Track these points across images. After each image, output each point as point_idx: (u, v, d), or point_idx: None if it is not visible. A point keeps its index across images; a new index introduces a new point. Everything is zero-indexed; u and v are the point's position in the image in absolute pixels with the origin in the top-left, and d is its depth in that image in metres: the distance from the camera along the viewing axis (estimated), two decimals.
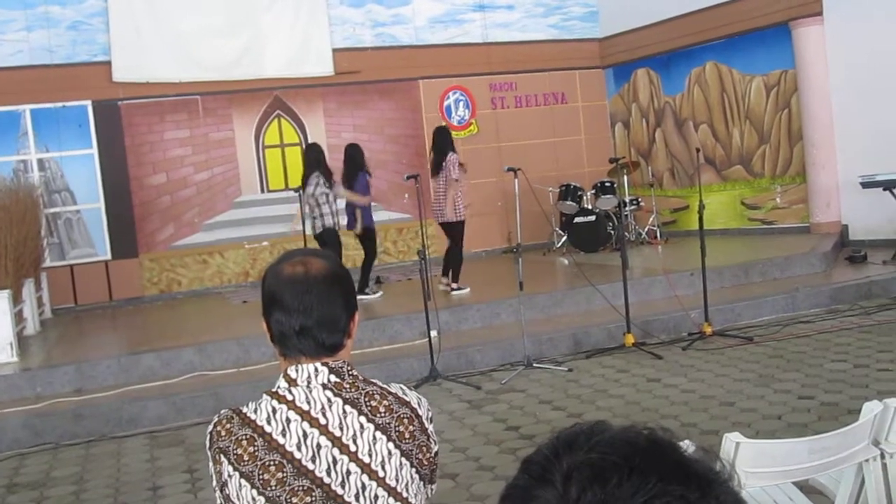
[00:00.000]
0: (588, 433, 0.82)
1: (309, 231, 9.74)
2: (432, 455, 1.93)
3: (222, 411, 1.91)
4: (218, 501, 1.90)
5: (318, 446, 1.81)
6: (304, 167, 9.90)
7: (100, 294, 12.44)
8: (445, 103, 14.14)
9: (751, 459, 2.79)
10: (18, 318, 9.27)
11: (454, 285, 9.95)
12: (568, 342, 8.30)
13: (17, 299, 9.31)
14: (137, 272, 12.63)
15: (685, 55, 13.62)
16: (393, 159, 13.68)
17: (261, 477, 1.79)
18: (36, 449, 6.79)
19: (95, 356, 8.35)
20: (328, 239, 9.56)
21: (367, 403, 1.86)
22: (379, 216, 12.70)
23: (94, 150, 12.43)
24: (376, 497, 1.82)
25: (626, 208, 12.62)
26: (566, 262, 12.19)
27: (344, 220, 9.99)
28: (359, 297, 9.70)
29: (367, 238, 10.20)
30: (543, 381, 7.36)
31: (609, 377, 7.28)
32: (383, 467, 1.83)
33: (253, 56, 12.98)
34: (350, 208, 10.13)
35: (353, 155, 10.13)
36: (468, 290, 9.96)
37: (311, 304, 1.87)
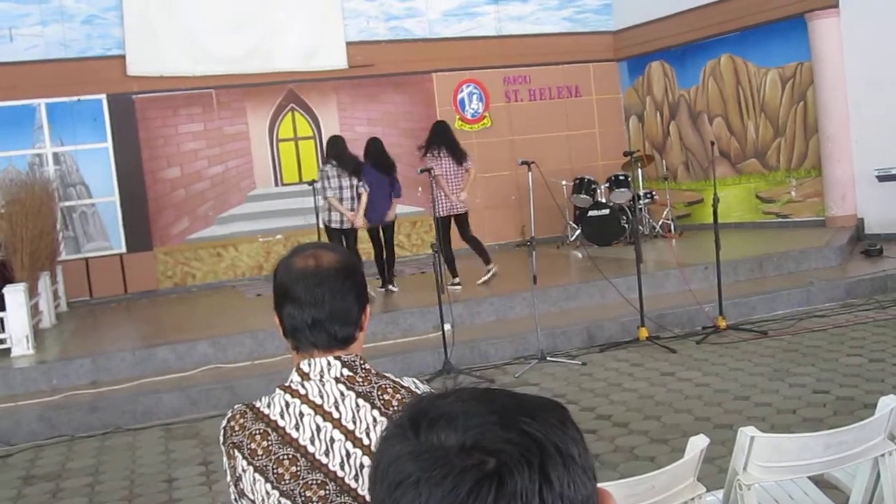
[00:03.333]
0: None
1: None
2: None
3: (235, 406, 1.91)
4: (232, 496, 1.90)
5: (332, 440, 1.82)
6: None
7: (115, 287, 12.50)
8: (459, 96, 14.12)
9: (766, 454, 2.79)
10: (34, 311, 9.32)
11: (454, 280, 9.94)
12: (582, 336, 8.29)
13: (32, 292, 9.36)
14: (152, 265, 12.68)
15: (700, 48, 13.55)
16: (407, 153, 13.61)
17: (275, 471, 1.80)
18: (52, 441, 6.83)
19: (111, 349, 8.40)
20: (328, 235, 9.61)
21: (380, 397, 1.86)
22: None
23: (109, 144, 12.48)
24: None
25: (640, 202, 12.57)
26: (580, 255, 12.17)
27: (334, 216, 9.70)
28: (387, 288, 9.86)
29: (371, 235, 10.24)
30: (557, 374, 7.35)
31: (623, 371, 7.27)
32: None
33: (267, 49, 12.99)
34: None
35: (365, 147, 10.21)
36: (459, 287, 9.87)
37: (322, 297, 1.87)
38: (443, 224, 9.71)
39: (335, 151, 9.72)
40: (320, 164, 9.85)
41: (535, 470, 0.82)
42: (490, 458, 0.82)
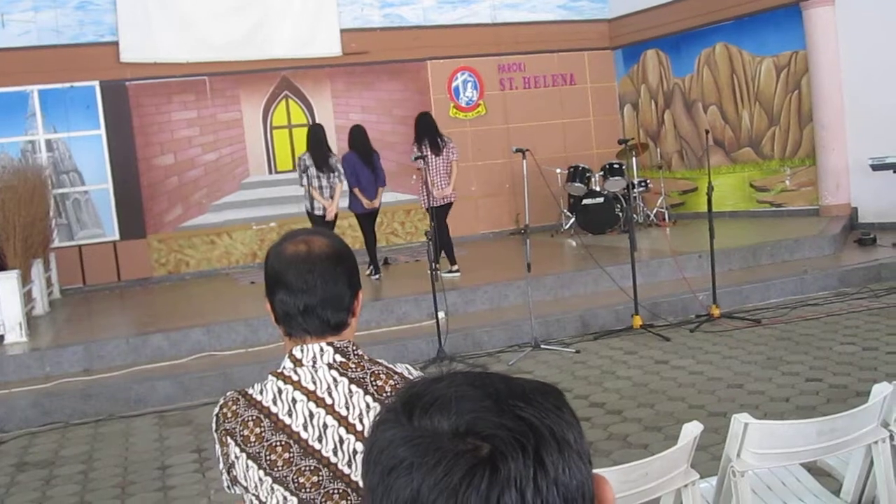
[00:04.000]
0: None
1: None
2: None
3: (228, 393, 1.91)
4: (225, 483, 1.90)
5: (325, 426, 1.81)
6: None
7: (108, 274, 12.47)
8: (453, 84, 14.09)
9: (759, 440, 2.79)
10: (27, 298, 9.30)
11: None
12: (575, 324, 8.30)
13: (25, 279, 9.34)
14: (145, 253, 12.66)
15: (695, 36, 13.53)
16: (401, 140, 13.63)
17: (268, 458, 1.79)
18: (45, 428, 6.82)
19: (104, 336, 8.38)
20: (311, 222, 9.75)
21: (373, 383, 1.85)
22: (385, 197, 12.72)
23: (102, 131, 12.43)
24: None
25: (635, 190, 12.59)
26: (574, 243, 12.17)
27: (316, 203, 9.90)
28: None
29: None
30: (551, 362, 7.36)
31: (616, 359, 7.28)
32: None
33: (261, 36, 12.94)
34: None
35: (348, 135, 10.32)
36: (458, 275, 10.01)
37: (314, 283, 1.86)
38: (435, 213, 9.71)
39: (311, 142, 9.89)
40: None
41: (529, 455, 0.81)
42: (484, 443, 0.81)
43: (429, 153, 9.78)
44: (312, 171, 9.68)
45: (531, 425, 0.83)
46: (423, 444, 0.83)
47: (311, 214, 9.89)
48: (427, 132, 9.92)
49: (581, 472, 0.85)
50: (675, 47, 13.92)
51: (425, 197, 9.28)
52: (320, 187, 9.72)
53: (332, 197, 9.78)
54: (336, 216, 9.95)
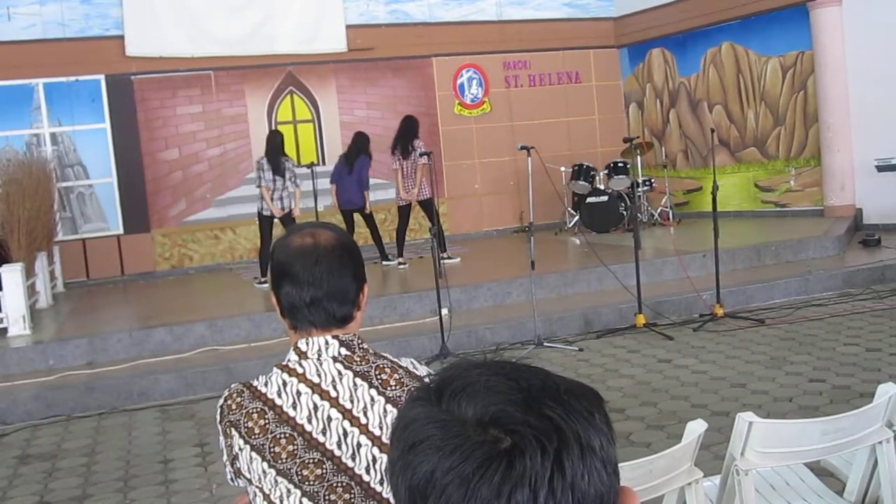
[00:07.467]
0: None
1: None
2: None
3: (232, 385, 1.90)
4: (228, 475, 1.90)
5: (329, 419, 1.81)
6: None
7: (112, 268, 12.48)
8: (458, 81, 14.07)
9: (764, 439, 2.78)
10: (31, 291, 9.31)
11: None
12: (579, 322, 8.29)
13: (29, 272, 9.35)
14: (149, 247, 12.66)
15: (701, 35, 13.51)
16: None
17: (272, 450, 1.79)
18: (48, 421, 6.83)
19: (107, 330, 8.39)
20: (259, 222, 10.30)
21: (378, 377, 1.85)
22: (389, 194, 12.71)
23: (107, 125, 12.44)
24: None
25: (639, 189, 12.56)
26: (578, 241, 12.17)
27: (265, 205, 10.23)
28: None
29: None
30: (554, 360, 7.35)
31: (620, 357, 7.27)
32: None
33: (266, 31, 12.93)
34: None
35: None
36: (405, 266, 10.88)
37: (321, 276, 1.86)
38: (398, 211, 10.94)
39: (267, 147, 10.27)
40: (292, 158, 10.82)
41: (548, 456, 0.80)
42: (505, 436, 0.81)
43: (402, 156, 10.53)
44: (269, 175, 10.05)
45: (556, 426, 0.82)
46: (446, 428, 0.83)
47: (260, 214, 10.18)
48: (402, 136, 10.62)
49: (602, 482, 0.84)
50: (681, 46, 13.90)
51: (398, 195, 10.62)
52: (274, 190, 10.07)
53: (288, 199, 10.11)
54: (291, 216, 10.10)
